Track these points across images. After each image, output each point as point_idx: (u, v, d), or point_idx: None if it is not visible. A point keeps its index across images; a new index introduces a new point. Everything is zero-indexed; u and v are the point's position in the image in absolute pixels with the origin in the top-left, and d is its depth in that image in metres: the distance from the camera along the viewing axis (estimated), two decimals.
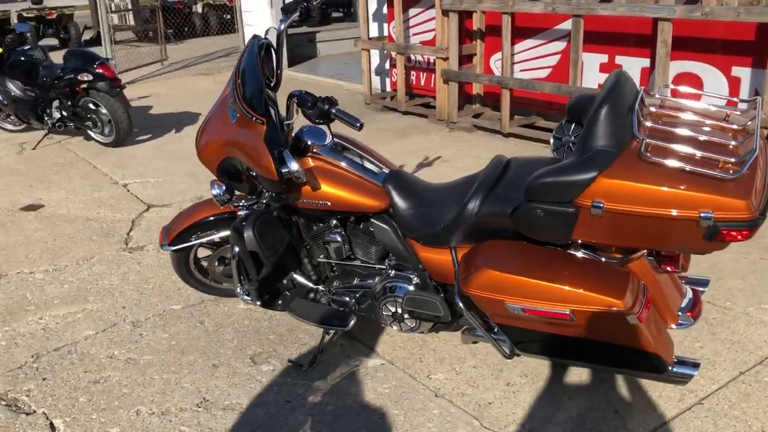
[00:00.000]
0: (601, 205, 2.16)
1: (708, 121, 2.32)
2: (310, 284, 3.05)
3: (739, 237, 2.08)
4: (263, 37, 3.04)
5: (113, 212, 4.95)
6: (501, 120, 6.28)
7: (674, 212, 2.09)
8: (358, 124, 2.69)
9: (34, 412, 2.77)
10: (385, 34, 7.95)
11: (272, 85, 3.08)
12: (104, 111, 6.34)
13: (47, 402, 2.83)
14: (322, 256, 3.04)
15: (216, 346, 3.17)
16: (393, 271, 2.88)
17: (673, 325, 2.55)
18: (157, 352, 3.15)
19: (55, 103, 6.51)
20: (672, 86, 2.62)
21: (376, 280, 2.93)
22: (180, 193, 5.30)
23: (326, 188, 2.78)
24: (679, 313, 2.56)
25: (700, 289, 2.80)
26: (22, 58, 6.57)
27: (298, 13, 3.01)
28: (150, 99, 8.71)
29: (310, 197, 2.80)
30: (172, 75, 10.50)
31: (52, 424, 2.69)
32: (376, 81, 8.56)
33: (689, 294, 2.64)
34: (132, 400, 2.82)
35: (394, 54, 7.48)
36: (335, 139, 2.92)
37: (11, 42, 6.79)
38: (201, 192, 5.19)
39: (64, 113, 6.52)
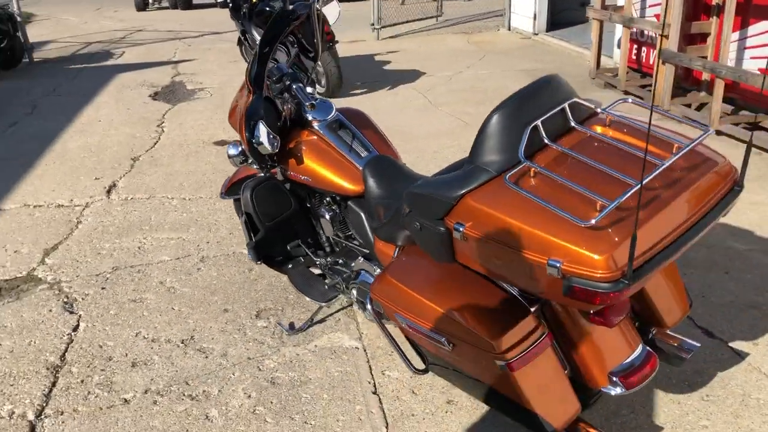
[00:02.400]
0: (461, 228, 1.90)
1: (637, 152, 1.85)
2: (311, 255, 3.12)
3: (596, 300, 1.67)
4: (310, 2, 3.09)
5: None
6: (710, 114, 5.39)
7: (525, 253, 1.76)
8: (308, 104, 2.64)
9: (75, 313, 3.33)
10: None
11: (311, 55, 3.13)
12: (319, 63, 6.86)
13: (89, 308, 3.37)
14: (321, 230, 3.09)
15: (241, 294, 3.43)
16: (361, 258, 2.82)
17: (602, 389, 2.12)
18: (196, 287, 3.52)
19: None
20: (632, 100, 2.09)
21: (355, 262, 2.89)
22: None
23: (309, 164, 2.80)
24: (612, 377, 2.11)
25: (681, 356, 2.27)
26: (267, 9, 7.35)
27: None
28: (395, 54, 9.11)
29: (295, 170, 2.85)
30: (435, 32, 10.76)
31: (77, 326, 3.22)
32: (617, 54, 7.85)
33: (637, 355, 2.15)
34: (142, 323, 3.22)
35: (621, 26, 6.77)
36: (339, 116, 2.89)
37: None
38: None
39: None
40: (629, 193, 1.66)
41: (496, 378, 2.02)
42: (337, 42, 6.90)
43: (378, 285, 2.30)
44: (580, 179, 1.78)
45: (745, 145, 1.86)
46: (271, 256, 3.16)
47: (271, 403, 2.66)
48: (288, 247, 3.15)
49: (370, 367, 2.85)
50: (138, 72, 8.60)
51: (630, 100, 2.06)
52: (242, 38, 7.81)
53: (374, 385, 2.73)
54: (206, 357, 2.95)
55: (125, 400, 2.71)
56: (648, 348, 2.17)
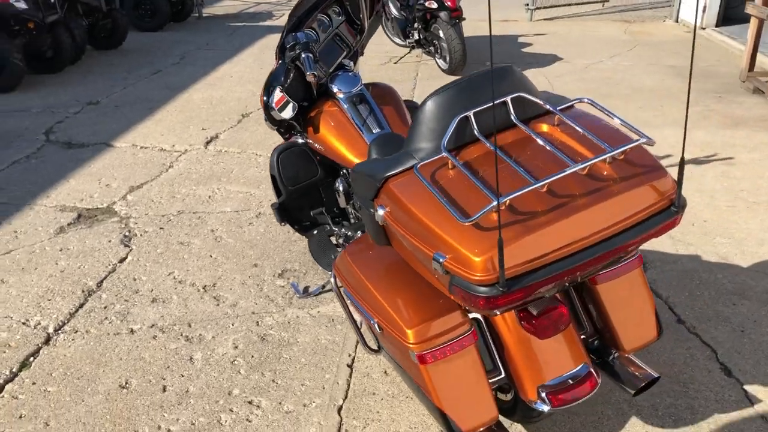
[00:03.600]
0: (381, 212, 1.87)
1: (561, 155, 1.71)
2: (331, 224, 3.17)
3: (473, 303, 1.60)
4: None
5: None
6: None
7: (421, 245, 1.71)
8: (308, 73, 2.66)
9: (129, 247, 3.65)
10: None
11: (359, 28, 3.15)
12: (444, 39, 6.81)
13: (141, 244, 3.67)
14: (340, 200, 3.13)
15: (275, 253, 3.57)
16: (360, 232, 2.84)
17: (530, 403, 2.00)
18: (240, 239, 3.71)
19: (416, 24, 7.23)
20: (588, 100, 1.89)
21: (356, 237, 2.91)
22: None
23: (323, 133, 2.84)
24: (541, 392, 1.99)
25: (635, 384, 2.08)
26: None
27: None
28: (540, 37, 8.79)
29: (312, 138, 2.91)
30: (595, 18, 10.23)
31: (124, 258, 3.53)
32: None
33: (574, 372, 1.99)
34: (178, 264, 3.46)
35: None
36: (363, 90, 2.90)
37: None
38: None
39: (420, 36, 7.22)
40: (512, 196, 1.55)
41: (412, 369, 1.97)
42: (464, 19, 6.80)
43: (338, 260, 2.31)
44: (493, 177, 1.68)
45: None
46: (300, 219, 3.25)
47: (252, 356, 2.78)
48: (311, 213, 3.22)
49: (356, 340, 2.87)
50: None
51: (586, 100, 1.88)
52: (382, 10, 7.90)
53: (352, 359, 2.76)
54: (217, 304, 3.13)
55: (131, 330, 2.95)
56: (590, 368, 2.01)
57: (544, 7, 10.21)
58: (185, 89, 6.49)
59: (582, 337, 2.15)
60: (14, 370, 2.71)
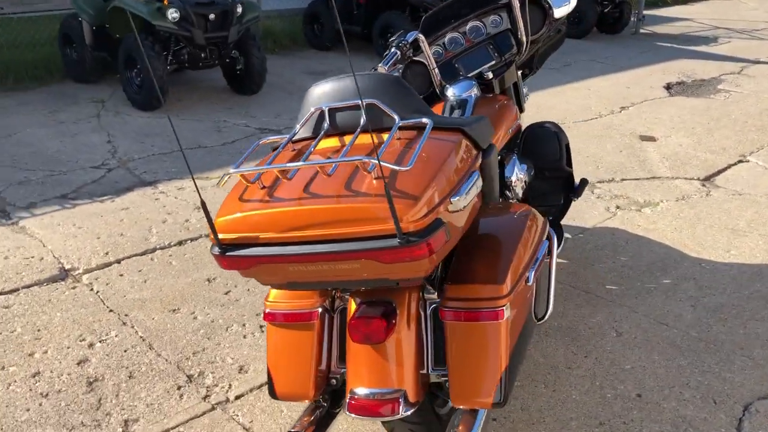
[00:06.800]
0: None
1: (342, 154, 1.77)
2: None
3: None
4: None
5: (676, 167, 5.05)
6: None
7: None
8: (380, 66, 2.81)
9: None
10: None
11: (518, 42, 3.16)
12: None
13: None
14: None
15: None
16: None
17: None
18: None
19: None
20: (429, 121, 1.72)
21: None
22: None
23: None
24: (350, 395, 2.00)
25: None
26: None
27: None
28: None
29: None
30: None
31: None
32: None
33: (385, 391, 1.93)
34: None
35: None
36: (470, 98, 2.97)
37: None
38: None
39: None
40: (247, 170, 1.73)
41: None
42: None
43: None
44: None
45: None
46: None
47: None
48: None
49: None
50: (703, 62, 8.35)
51: (425, 120, 1.79)
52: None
53: None
54: None
55: None
56: (401, 394, 1.94)
57: None
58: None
59: (441, 376, 2.04)
60: (172, 243, 3.68)
